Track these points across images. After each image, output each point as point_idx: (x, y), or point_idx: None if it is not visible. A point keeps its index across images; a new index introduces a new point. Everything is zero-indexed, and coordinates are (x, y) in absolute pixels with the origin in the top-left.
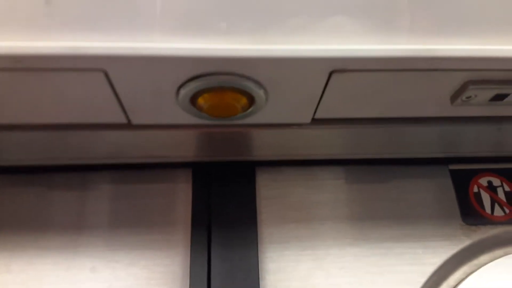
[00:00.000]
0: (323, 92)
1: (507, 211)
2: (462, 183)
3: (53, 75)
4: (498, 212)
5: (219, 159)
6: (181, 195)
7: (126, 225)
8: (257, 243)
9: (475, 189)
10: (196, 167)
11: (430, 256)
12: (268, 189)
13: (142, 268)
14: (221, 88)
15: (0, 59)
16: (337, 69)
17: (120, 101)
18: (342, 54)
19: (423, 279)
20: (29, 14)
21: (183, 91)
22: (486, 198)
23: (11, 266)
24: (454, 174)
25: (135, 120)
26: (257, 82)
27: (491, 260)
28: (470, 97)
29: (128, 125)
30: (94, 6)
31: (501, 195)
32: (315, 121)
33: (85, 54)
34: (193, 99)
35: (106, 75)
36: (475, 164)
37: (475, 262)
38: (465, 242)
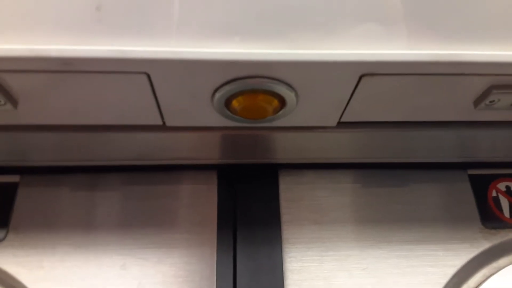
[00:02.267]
0: (351, 96)
1: None
2: (480, 187)
3: (98, 77)
4: None
5: (243, 161)
6: (206, 196)
7: (154, 224)
8: (281, 243)
9: (494, 194)
10: (221, 169)
11: (451, 259)
12: (291, 192)
13: (170, 266)
14: (254, 91)
15: (51, 61)
16: (367, 72)
17: (158, 103)
18: (373, 58)
19: (444, 280)
20: (80, 20)
21: (218, 94)
22: (504, 202)
23: (43, 262)
24: (473, 179)
25: (170, 122)
26: (289, 85)
27: (510, 263)
28: (494, 101)
29: (163, 127)
30: (140, 13)
31: None
32: (341, 125)
33: (132, 57)
34: (227, 102)
35: (149, 78)
36: (493, 169)
37: (495, 265)
38: (484, 245)
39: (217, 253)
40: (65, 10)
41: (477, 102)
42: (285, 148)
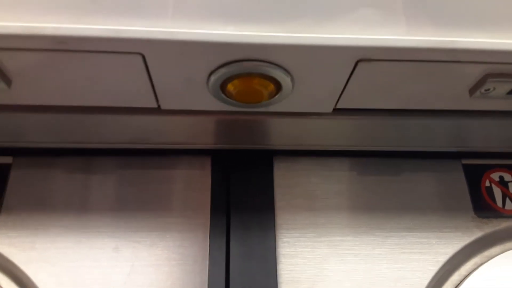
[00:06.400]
0: (347, 82)
1: None
2: (474, 177)
3: (92, 57)
4: (509, 206)
5: (238, 147)
6: (200, 181)
7: (147, 208)
8: (274, 228)
9: (487, 184)
10: (215, 154)
11: (443, 246)
12: (285, 178)
13: (162, 249)
14: (250, 74)
15: (46, 40)
16: (363, 58)
17: (153, 85)
18: (369, 43)
19: (436, 267)
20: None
21: (213, 77)
22: (497, 192)
23: (36, 244)
24: (466, 169)
25: (165, 105)
26: (285, 70)
27: (502, 252)
28: (489, 89)
29: (157, 110)
30: None
31: None
32: (336, 111)
33: (126, 37)
34: (223, 85)
35: (144, 59)
36: (487, 160)
37: (486, 253)
38: (477, 234)
39: (210, 238)
40: None
41: (472, 90)
42: (280, 134)
